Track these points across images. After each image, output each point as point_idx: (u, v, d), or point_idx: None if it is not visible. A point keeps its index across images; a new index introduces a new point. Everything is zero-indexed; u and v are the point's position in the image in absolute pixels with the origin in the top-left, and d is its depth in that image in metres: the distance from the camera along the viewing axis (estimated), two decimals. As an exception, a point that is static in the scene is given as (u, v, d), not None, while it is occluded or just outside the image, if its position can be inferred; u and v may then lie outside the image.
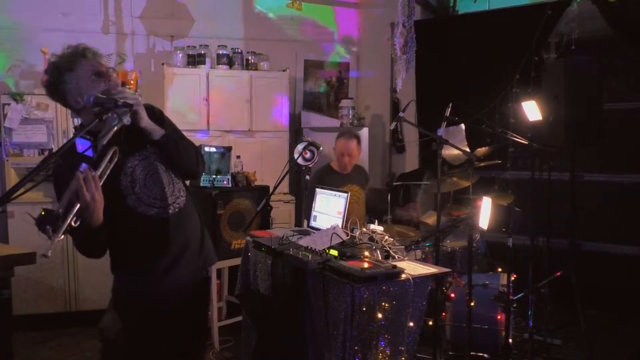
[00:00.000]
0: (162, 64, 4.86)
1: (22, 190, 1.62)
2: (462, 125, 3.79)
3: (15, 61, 4.67)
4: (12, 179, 4.39)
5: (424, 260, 3.48)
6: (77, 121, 4.39)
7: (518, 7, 4.95)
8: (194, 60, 4.99)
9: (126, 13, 5.19)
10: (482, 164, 3.66)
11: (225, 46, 5.06)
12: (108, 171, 1.90)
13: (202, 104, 4.87)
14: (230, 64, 5.06)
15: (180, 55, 4.99)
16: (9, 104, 4.35)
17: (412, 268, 2.53)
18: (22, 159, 4.38)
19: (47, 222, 1.64)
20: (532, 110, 3.88)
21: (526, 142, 3.74)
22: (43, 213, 1.64)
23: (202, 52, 4.99)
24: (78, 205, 1.73)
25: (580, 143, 4.03)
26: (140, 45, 5.28)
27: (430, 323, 3.30)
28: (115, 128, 1.84)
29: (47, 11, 4.95)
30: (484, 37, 4.88)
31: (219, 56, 5.01)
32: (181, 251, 2.15)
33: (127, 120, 1.86)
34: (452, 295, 3.57)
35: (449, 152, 3.75)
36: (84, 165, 1.77)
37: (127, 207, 2.04)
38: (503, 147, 4.22)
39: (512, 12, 4.92)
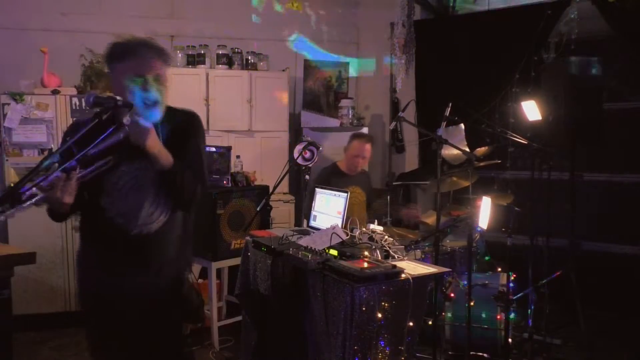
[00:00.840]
0: (162, 63, 4.85)
1: (21, 190, 1.62)
2: (462, 125, 3.80)
3: (15, 61, 4.66)
4: (11, 178, 4.38)
5: (423, 260, 3.48)
6: (77, 121, 4.42)
7: (517, 7, 4.95)
8: (194, 60, 4.99)
9: (125, 13, 5.19)
10: (481, 164, 3.66)
11: (225, 46, 5.06)
12: (92, 175, 1.87)
13: (201, 103, 4.87)
14: (230, 63, 5.06)
15: (180, 55, 4.99)
16: (8, 104, 4.34)
17: (411, 268, 2.53)
18: (21, 159, 4.38)
19: (7, 199, 1.61)
20: (531, 110, 3.89)
21: (526, 142, 3.74)
22: (11, 186, 1.64)
23: (202, 52, 4.99)
24: (43, 195, 1.71)
25: (580, 143, 4.03)
26: (139, 45, 5.26)
27: (430, 323, 3.30)
28: (120, 137, 1.83)
29: (47, 11, 4.95)
30: (484, 37, 4.88)
31: (218, 56, 5.01)
32: (133, 268, 2.07)
33: (127, 120, 1.84)
34: (452, 294, 3.57)
35: (449, 151, 3.76)
36: (72, 163, 1.75)
37: (99, 204, 2.02)
38: (503, 146, 4.23)
39: (512, 12, 4.92)
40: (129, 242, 2.03)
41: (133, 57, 1.94)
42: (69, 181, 1.74)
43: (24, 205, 1.64)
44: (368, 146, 4.21)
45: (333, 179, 4.05)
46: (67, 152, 1.82)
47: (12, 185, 1.63)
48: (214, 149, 4.16)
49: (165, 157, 1.95)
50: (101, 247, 2.08)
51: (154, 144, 1.91)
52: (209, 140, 4.83)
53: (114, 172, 1.99)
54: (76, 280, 2.29)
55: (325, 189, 3.40)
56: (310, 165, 3.54)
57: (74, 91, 4.51)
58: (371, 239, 2.82)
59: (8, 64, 4.68)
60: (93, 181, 1.89)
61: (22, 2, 4.91)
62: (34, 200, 1.66)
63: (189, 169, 2.04)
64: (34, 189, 1.67)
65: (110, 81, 2.01)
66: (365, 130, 5.38)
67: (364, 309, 2.29)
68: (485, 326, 3.49)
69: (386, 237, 2.85)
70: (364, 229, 2.93)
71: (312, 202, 3.44)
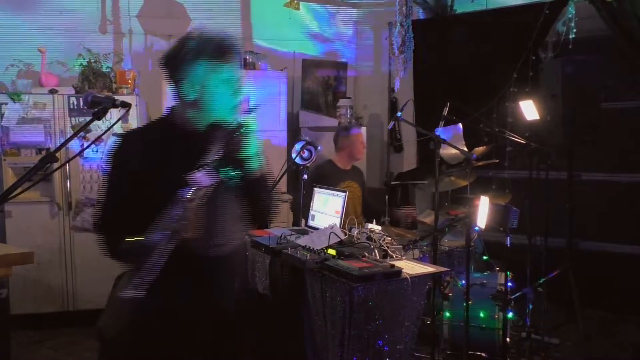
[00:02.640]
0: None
1: (19, 190, 1.62)
2: (460, 125, 3.80)
3: (13, 60, 4.66)
4: (9, 178, 4.37)
5: (421, 259, 3.49)
6: (76, 121, 4.41)
7: (515, 7, 4.95)
8: (192, 59, 4.98)
9: (124, 12, 5.18)
10: (479, 163, 3.67)
11: (223, 45, 5.05)
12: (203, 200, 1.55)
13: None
14: (228, 63, 5.05)
15: (178, 54, 4.98)
16: (6, 104, 4.33)
17: (410, 267, 2.54)
18: (19, 159, 4.37)
19: (135, 252, 1.41)
20: (529, 110, 3.89)
21: (524, 142, 3.75)
22: (131, 240, 1.46)
23: (200, 51, 4.98)
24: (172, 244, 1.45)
25: (577, 142, 4.03)
26: (138, 45, 5.27)
27: (429, 322, 3.30)
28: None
29: (45, 10, 4.94)
30: (482, 36, 4.88)
31: (216, 55, 5.00)
32: (201, 293, 1.77)
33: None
34: (450, 294, 3.58)
35: (447, 151, 3.75)
36: (186, 191, 1.49)
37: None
38: (501, 146, 4.23)
39: (510, 12, 4.92)
40: (201, 266, 1.74)
41: (231, 55, 1.72)
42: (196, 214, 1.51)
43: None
44: (363, 132, 4.51)
45: (330, 172, 4.09)
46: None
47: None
48: (212, 149, 4.15)
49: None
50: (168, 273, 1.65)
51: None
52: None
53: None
54: (113, 308, 1.93)
55: (323, 188, 3.40)
56: (308, 165, 3.55)
57: (71, 91, 4.50)
58: (369, 238, 2.82)
59: (5, 63, 4.67)
60: (164, 197, 1.55)
61: (20, 1, 4.90)
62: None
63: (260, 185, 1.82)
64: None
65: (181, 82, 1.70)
66: (363, 130, 5.38)
67: (362, 308, 2.29)
68: (484, 325, 3.49)
69: (384, 236, 2.85)
70: (362, 228, 2.94)
71: (309, 199, 3.44)
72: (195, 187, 1.49)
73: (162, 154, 1.70)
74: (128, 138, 1.82)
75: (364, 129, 5.38)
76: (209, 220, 1.62)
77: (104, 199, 1.75)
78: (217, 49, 1.68)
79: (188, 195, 1.47)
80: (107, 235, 1.70)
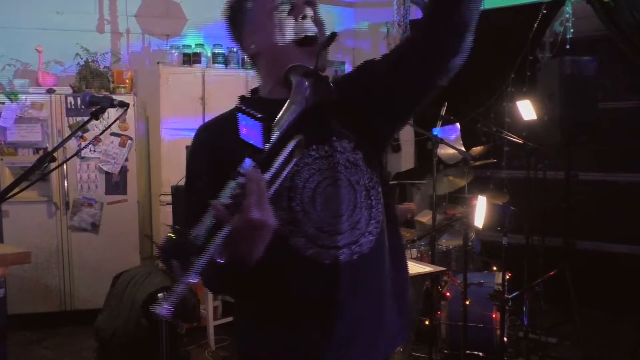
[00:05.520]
0: (158, 63, 4.85)
1: (17, 189, 1.62)
2: (458, 124, 3.80)
3: (10, 60, 4.65)
4: (6, 178, 4.36)
5: (419, 259, 3.49)
6: (73, 120, 4.41)
7: (513, 7, 4.96)
8: (190, 59, 4.98)
9: (121, 12, 5.17)
10: (477, 163, 3.67)
11: (221, 45, 5.05)
12: (283, 176, 1.11)
13: (197, 103, 4.86)
14: (226, 63, 5.05)
15: (176, 54, 4.98)
16: (3, 103, 4.33)
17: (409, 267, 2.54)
18: (16, 158, 4.36)
19: (175, 254, 0.96)
20: (527, 110, 3.90)
21: (521, 141, 3.76)
22: (172, 236, 0.97)
23: (198, 51, 4.98)
24: (228, 231, 0.98)
25: (575, 142, 4.04)
26: (135, 44, 5.26)
27: (427, 322, 3.31)
28: (305, 105, 1.14)
29: (42, 10, 4.93)
30: (479, 36, 4.88)
31: (214, 55, 5.00)
32: (353, 329, 1.23)
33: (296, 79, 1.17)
34: (448, 294, 3.58)
35: (445, 151, 3.76)
36: (247, 162, 1.02)
37: (285, 249, 1.21)
38: (498, 146, 4.24)
39: (507, 12, 4.93)
40: (337, 278, 1.21)
41: None
42: (258, 193, 0.99)
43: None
44: None
45: None
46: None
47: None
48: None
49: None
50: (288, 316, 1.24)
51: None
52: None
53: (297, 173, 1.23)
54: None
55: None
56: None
57: (69, 90, 4.50)
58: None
59: (2, 62, 4.66)
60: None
61: (17, 0, 4.89)
62: (217, 246, 0.96)
63: None
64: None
65: (246, 19, 1.31)
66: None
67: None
68: (481, 325, 3.50)
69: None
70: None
71: None
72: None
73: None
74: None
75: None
76: (308, 201, 1.22)
77: None
78: None
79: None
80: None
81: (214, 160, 1.22)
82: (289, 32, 1.26)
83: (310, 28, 1.26)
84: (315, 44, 1.25)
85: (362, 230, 1.23)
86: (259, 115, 1.00)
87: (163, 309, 0.89)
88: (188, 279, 0.93)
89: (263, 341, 1.28)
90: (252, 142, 1.02)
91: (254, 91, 1.37)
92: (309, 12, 1.28)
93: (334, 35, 1.22)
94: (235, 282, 1.19)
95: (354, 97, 1.25)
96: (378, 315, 1.27)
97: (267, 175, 1.06)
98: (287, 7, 1.26)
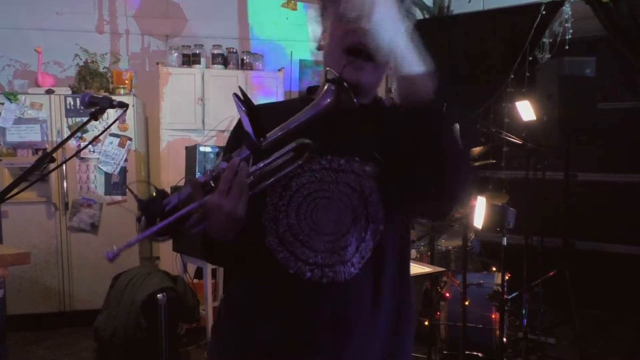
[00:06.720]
0: (157, 63, 4.85)
1: (16, 190, 1.62)
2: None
3: (9, 60, 4.65)
4: (5, 178, 4.36)
5: (419, 259, 3.49)
6: (72, 121, 4.41)
7: (512, 7, 4.96)
8: (189, 59, 4.98)
9: (120, 12, 5.18)
10: (476, 164, 3.67)
11: (220, 46, 5.06)
12: (282, 174, 1.11)
13: (197, 103, 4.86)
14: (225, 63, 5.05)
15: (175, 54, 4.98)
16: (2, 104, 4.33)
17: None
18: (15, 159, 4.36)
19: (146, 212, 1.07)
20: (526, 110, 3.90)
21: (520, 142, 3.76)
22: (154, 194, 1.08)
23: (197, 51, 4.98)
24: (194, 206, 1.05)
25: (574, 143, 4.05)
26: (134, 45, 5.26)
27: (426, 323, 3.31)
28: (318, 110, 1.12)
29: (41, 10, 4.93)
30: (479, 36, 4.88)
31: (213, 56, 5.00)
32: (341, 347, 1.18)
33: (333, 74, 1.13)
34: (447, 294, 3.59)
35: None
36: (245, 151, 1.07)
37: (262, 245, 1.20)
38: (497, 146, 4.24)
39: (506, 12, 4.93)
40: (326, 299, 1.17)
41: None
42: (241, 179, 1.04)
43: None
44: None
45: None
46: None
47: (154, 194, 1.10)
48: (209, 149, 4.15)
49: None
50: (279, 318, 1.20)
51: None
52: (204, 139, 4.86)
53: (282, 185, 1.20)
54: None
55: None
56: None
57: (68, 91, 4.50)
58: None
59: (2, 63, 4.66)
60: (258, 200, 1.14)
61: (16, 1, 4.89)
62: (179, 218, 1.05)
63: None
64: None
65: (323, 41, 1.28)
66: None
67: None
68: (480, 325, 3.50)
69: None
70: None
71: None
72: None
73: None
74: None
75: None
76: (308, 215, 1.19)
77: None
78: None
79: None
80: None
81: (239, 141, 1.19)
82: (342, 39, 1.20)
83: (360, 40, 1.15)
84: (360, 56, 1.18)
85: (343, 258, 1.17)
86: (244, 107, 1.05)
87: (110, 253, 1.01)
88: (142, 235, 1.05)
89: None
90: (249, 132, 1.06)
91: (311, 90, 1.33)
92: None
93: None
94: (214, 253, 1.23)
95: (399, 133, 1.20)
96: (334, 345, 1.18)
97: (253, 168, 1.08)
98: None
